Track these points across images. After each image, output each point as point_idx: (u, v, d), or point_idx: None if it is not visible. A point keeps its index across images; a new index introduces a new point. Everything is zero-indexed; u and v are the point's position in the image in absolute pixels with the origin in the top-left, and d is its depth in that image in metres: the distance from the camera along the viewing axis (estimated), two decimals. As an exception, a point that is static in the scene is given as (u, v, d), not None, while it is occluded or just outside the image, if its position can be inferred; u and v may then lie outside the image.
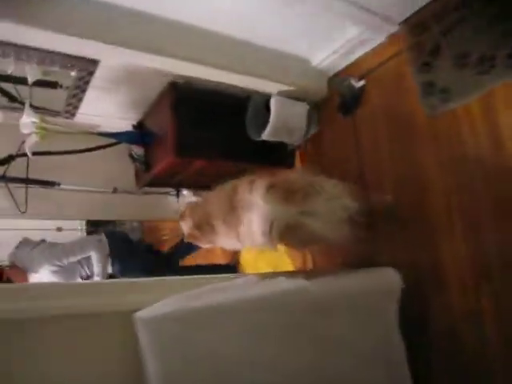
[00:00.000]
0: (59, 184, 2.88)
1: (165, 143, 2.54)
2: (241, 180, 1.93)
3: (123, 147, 2.93)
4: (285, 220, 1.76)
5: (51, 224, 3.49)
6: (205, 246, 2.24)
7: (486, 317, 1.87)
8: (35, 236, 3.14)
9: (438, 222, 2.07)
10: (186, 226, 2.15)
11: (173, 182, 2.96)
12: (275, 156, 2.87)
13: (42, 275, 2.92)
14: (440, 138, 2.09)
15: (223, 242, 2.09)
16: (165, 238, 4.44)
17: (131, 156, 2.84)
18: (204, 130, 2.60)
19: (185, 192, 3.38)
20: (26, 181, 2.77)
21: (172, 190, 3.33)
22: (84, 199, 3.09)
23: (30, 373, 1.36)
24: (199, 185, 3.14)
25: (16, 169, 2.66)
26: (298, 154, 2.93)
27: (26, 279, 2.85)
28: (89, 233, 4.21)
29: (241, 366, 1.54)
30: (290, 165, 2.93)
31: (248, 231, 1.87)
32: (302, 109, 2.69)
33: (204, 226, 2.05)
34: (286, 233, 1.79)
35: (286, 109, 2.61)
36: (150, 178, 2.78)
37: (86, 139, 2.86)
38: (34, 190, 2.82)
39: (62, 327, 1.42)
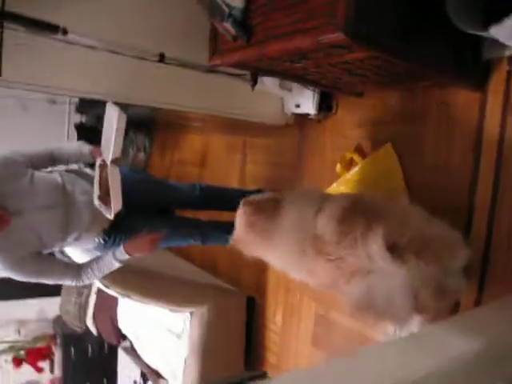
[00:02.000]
0: (65, 32, 1.51)
1: (316, 3, 1.20)
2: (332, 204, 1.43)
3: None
4: (430, 287, 1.31)
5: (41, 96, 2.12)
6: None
7: None
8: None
9: None
10: (243, 225, 1.52)
11: (279, 68, 1.66)
12: (461, 65, 1.60)
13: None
14: None
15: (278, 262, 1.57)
16: (196, 125, 3.16)
17: (211, 8, 1.46)
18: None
19: (266, 80, 2.07)
20: (2, 16, 1.39)
21: (246, 74, 2.02)
22: (104, 65, 1.75)
23: None
24: (309, 80, 1.84)
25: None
26: (498, 71, 1.64)
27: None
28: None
29: None
30: (477, 85, 1.67)
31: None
32: None
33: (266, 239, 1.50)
34: (431, 304, 1.34)
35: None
36: (250, 55, 1.46)
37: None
38: (18, 36, 1.45)
39: None
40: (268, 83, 2.10)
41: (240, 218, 1.54)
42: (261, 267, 2.60)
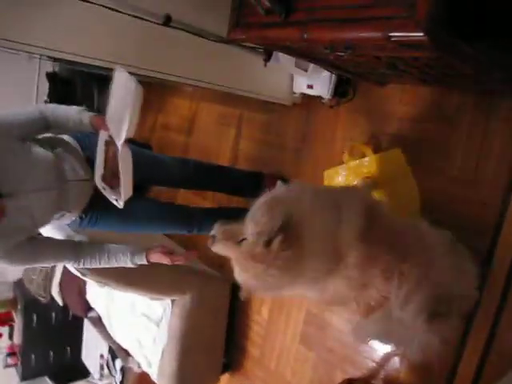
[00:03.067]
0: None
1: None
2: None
3: None
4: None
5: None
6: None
7: None
8: None
9: None
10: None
11: (309, 52, 1.42)
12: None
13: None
14: None
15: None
16: (186, 89, 2.84)
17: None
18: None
19: (282, 56, 1.82)
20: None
21: (259, 47, 1.76)
22: (101, 24, 1.45)
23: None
24: (336, 66, 1.61)
25: None
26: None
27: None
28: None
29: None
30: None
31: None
32: None
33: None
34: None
35: None
36: (286, 36, 1.21)
37: None
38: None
39: None
40: (283, 60, 1.84)
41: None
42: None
